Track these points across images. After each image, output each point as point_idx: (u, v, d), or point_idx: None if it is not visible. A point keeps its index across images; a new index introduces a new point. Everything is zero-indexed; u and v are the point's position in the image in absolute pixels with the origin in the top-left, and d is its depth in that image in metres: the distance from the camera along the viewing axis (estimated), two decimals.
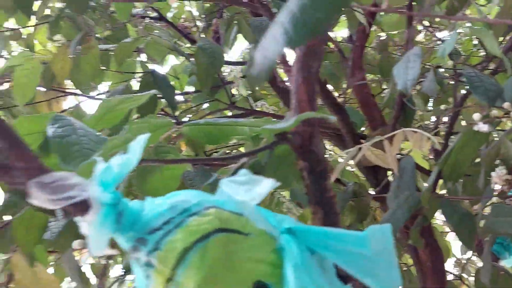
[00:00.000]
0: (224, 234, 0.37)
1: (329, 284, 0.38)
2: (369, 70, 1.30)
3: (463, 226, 0.73)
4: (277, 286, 0.38)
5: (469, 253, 1.67)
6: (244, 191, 0.38)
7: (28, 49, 1.60)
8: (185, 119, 1.41)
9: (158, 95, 1.02)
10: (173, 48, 1.01)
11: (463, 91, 1.12)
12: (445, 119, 1.20)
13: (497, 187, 0.87)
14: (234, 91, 1.30)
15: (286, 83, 1.19)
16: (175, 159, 0.55)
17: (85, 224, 0.38)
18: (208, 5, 1.42)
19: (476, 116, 0.62)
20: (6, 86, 1.59)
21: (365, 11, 1.18)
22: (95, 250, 0.37)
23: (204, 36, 1.52)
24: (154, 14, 1.55)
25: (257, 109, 1.26)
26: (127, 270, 0.98)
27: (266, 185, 0.36)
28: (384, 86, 1.41)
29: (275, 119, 0.62)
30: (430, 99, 1.11)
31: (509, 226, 0.69)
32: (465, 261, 1.69)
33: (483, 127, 0.60)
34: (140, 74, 1.08)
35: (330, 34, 1.44)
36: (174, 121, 0.59)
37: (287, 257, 0.38)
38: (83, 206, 0.37)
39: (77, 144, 0.58)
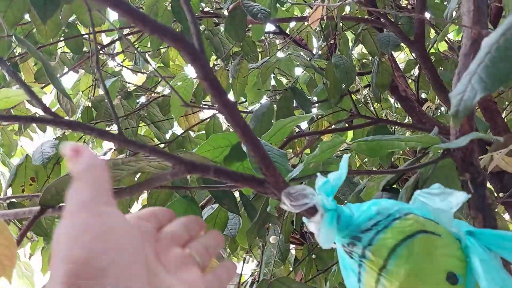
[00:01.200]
0: (425, 234, 0.48)
1: (506, 274, 0.47)
2: None
3: None
4: (463, 276, 0.48)
5: None
6: (440, 200, 0.48)
7: (163, 65, 1.82)
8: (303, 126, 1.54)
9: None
10: (309, 64, 1.14)
11: None
12: None
13: None
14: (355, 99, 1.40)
15: (407, 92, 1.27)
16: (352, 170, 0.67)
17: (313, 224, 0.51)
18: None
19: None
20: (144, 98, 1.82)
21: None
22: (325, 244, 0.50)
23: (321, 48, 1.63)
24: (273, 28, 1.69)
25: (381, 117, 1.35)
26: None
27: (460, 196, 0.47)
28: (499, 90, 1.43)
29: (425, 133, 0.72)
30: None
31: None
32: None
33: None
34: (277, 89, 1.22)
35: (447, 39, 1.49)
36: (344, 139, 0.71)
37: (473, 253, 0.48)
38: (312, 210, 0.50)
39: None
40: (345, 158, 0.53)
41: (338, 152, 1.43)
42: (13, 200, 0.97)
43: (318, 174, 0.52)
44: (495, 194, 1.09)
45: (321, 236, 0.50)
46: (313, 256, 1.32)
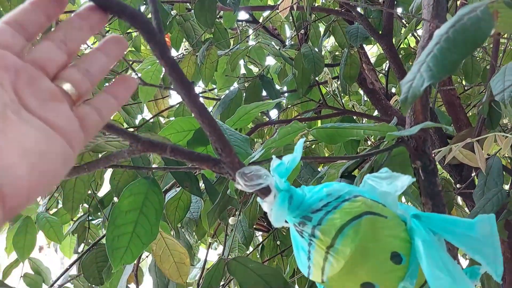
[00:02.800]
0: (371, 216, 0.50)
1: (447, 256, 0.50)
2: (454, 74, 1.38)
3: None
4: (407, 256, 0.50)
5: None
6: (387, 184, 0.51)
7: (135, 49, 1.80)
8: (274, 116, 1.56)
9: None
10: (278, 53, 1.15)
11: None
12: None
13: None
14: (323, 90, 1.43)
15: (375, 85, 1.30)
16: (310, 157, 0.68)
17: (266, 203, 0.52)
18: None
19: None
20: None
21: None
22: (276, 223, 0.52)
23: (293, 38, 1.65)
24: (246, 17, 1.70)
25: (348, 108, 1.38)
26: None
27: (405, 179, 0.49)
28: (465, 88, 1.48)
29: (385, 123, 0.74)
30: None
31: None
32: None
33: None
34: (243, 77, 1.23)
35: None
36: (304, 125, 0.73)
37: (416, 235, 0.50)
38: (266, 191, 0.51)
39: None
40: (300, 142, 0.55)
41: (308, 143, 1.46)
42: None
43: (273, 156, 0.54)
44: (454, 185, 1.13)
45: (273, 215, 0.51)
46: (278, 242, 1.34)
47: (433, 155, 0.67)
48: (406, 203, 0.89)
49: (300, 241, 0.53)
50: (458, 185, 1.09)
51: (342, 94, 1.41)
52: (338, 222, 0.50)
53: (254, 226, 1.76)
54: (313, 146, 1.43)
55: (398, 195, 0.50)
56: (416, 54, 1.72)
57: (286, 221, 0.54)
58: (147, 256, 1.40)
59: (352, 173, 0.80)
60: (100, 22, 0.35)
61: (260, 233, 1.80)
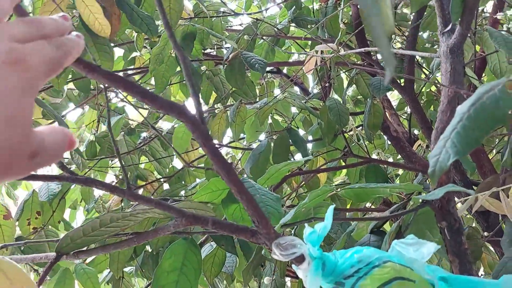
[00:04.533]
0: (400, 281, 0.53)
1: None
2: None
3: None
4: None
5: None
6: (413, 250, 0.54)
7: None
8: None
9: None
10: (304, 107, 1.21)
11: None
12: None
13: None
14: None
15: (398, 132, 1.34)
16: (340, 218, 0.72)
17: (301, 270, 0.56)
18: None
19: None
20: (146, 133, 1.88)
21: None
22: None
23: (316, 85, 1.71)
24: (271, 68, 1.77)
25: (374, 157, 1.41)
26: None
27: (431, 247, 0.53)
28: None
29: (409, 183, 0.78)
30: None
31: None
32: None
33: None
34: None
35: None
36: (334, 186, 0.77)
37: None
38: (300, 259, 0.56)
39: (261, 202, 0.79)
40: (330, 209, 0.59)
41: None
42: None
43: (306, 225, 0.58)
44: (481, 233, 1.15)
45: (308, 282, 0.55)
46: None
47: (457, 209, 0.70)
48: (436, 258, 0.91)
49: None
50: (485, 233, 1.10)
51: (366, 142, 1.45)
52: None
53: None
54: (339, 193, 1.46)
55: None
56: (435, 99, 1.75)
57: (320, 287, 0.57)
58: None
59: (381, 229, 0.84)
60: None
61: (289, 279, 1.81)
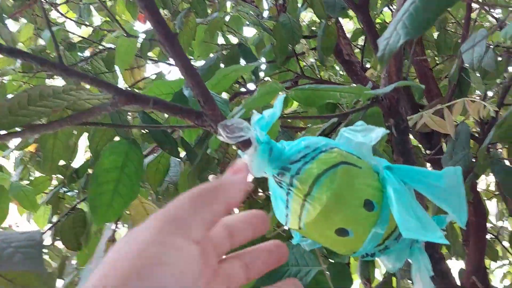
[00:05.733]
0: (346, 165, 0.53)
1: (417, 204, 0.53)
2: (426, 46, 1.42)
3: (509, 181, 0.87)
4: (379, 204, 0.53)
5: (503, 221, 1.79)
6: (361, 136, 0.53)
7: (109, 19, 1.78)
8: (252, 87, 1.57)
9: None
10: (257, 22, 1.16)
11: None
12: (490, 93, 1.32)
13: None
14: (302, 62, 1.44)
15: (352, 56, 1.33)
16: (290, 116, 0.70)
17: (247, 155, 0.54)
18: None
19: None
20: (88, 52, 1.78)
21: None
22: (257, 173, 0.54)
23: (271, 9, 1.66)
24: None
25: (324, 78, 1.40)
26: None
27: (379, 131, 0.52)
28: (438, 61, 1.52)
29: (360, 85, 0.77)
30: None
31: None
32: (499, 226, 1.82)
33: None
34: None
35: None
36: (282, 86, 0.75)
37: (388, 184, 0.53)
38: (247, 143, 0.53)
39: None
40: (280, 98, 0.57)
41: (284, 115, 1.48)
42: None
43: (253, 111, 0.56)
44: (423, 152, 1.18)
45: (254, 166, 0.54)
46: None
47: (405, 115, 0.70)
48: None
49: (279, 191, 0.56)
50: (428, 152, 1.14)
51: (319, 67, 1.43)
52: (315, 172, 0.52)
53: None
54: (289, 120, 1.46)
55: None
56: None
57: (265, 172, 0.56)
58: (124, 225, 1.41)
59: (328, 136, 0.83)
60: (263, 226, 0.40)
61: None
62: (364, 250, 0.55)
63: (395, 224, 0.55)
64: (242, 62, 1.26)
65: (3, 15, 1.58)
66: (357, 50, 1.89)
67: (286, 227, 0.56)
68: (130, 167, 0.72)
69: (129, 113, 1.29)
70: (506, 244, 1.82)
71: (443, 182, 0.56)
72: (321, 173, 0.52)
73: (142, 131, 1.10)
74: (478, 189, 1.48)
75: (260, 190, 1.74)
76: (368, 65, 1.90)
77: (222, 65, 1.21)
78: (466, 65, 0.80)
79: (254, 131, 0.54)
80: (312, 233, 0.54)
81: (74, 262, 1.53)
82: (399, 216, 0.50)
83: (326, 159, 0.53)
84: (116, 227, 1.14)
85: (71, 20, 1.72)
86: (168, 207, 0.31)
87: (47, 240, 1.43)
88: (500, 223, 1.79)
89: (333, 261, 0.62)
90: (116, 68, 1.38)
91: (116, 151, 0.73)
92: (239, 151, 0.56)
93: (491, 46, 0.91)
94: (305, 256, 0.60)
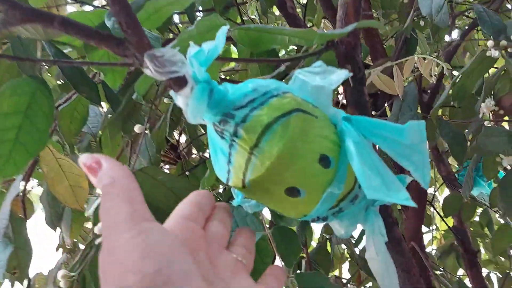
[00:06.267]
0: (301, 113, 0.44)
1: (376, 156, 0.46)
2: (373, 6, 1.36)
3: (456, 143, 0.83)
4: (335, 160, 0.46)
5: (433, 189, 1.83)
6: (320, 78, 0.45)
7: None
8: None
9: None
10: None
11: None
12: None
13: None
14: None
15: (295, 10, 1.24)
16: (227, 58, 0.61)
17: (181, 97, 0.44)
18: None
19: (490, 43, 0.70)
20: None
21: None
22: (192, 119, 0.44)
23: None
24: None
25: None
26: None
27: (341, 73, 0.43)
28: (382, 19, 1.47)
29: (312, 29, 0.68)
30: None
31: (497, 146, 0.79)
32: (433, 192, 1.85)
33: (495, 53, 0.68)
34: None
35: None
36: (225, 21, 0.64)
37: (348, 136, 0.46)
38: (181, 81, 0.43)
39: None
40: (223, 29, 0.46)
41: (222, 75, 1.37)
42: None
43: (191, 42, 0.45)
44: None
45: (190, 110, 0.44)
46: (187, 173, 1.27)
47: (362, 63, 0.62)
48: None
49: (220, 143, 0.46)
50: (373, 112, 1.09)
51: (261, 18, 1.33)
52: (265, 119, 0.43)
53: (161, 158, 1.67)
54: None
55: None
56: None
57: (203, 119, 0.46)
58: (37, 185, 1.26)
59: None
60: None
61: (167, 166, 1.72)
62: (316, 213, 0.47)
63: (352, 184, 0.48)
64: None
65: None
66: (299, 10, 1.81)
67: (226, 186, 0.47)
68: (37, 112, 0.60)
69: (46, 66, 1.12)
70: (433, 210, 1.86)
71: (405, 137, 0.49)
72: (272, 121, 0.43)
73: (60, 81, 0.95)
74: None
75: (194, 151, 1.63)
76: (309, 25, 1.83)
77: None
78: (424, 14, 0.73)
79: (190, 67, 0.44)
80: (257, 192, 0.46)
81: None
82: (362, 173, 0.42)
83: (278, 105, 0.44)
84: (26, 185, 1.00)
85: None
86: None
87: None
88: (431, 190, 1.82)
89: (279, 226, 0.54)
90: None
91: (19, 92, 0.60)
92: (171, 92, 0.45)
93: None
94: (247, 220, 0.51)
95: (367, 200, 0.51)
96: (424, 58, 0.85)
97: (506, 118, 0.97)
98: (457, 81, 0.76)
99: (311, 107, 0.46)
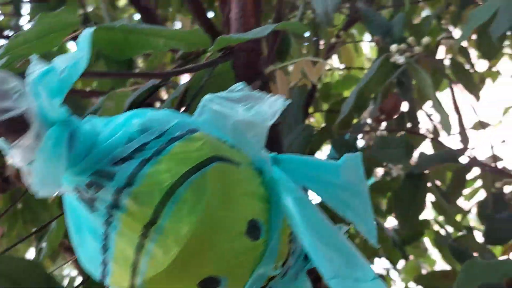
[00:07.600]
0: (221, 163, 0.29)
1: (323, 217, 0.33)
2: None
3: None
4: (265, 224, 0.32)
5: None
6: (245, 110, 0.30)
7: None
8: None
9: None
10: None
11: None
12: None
13: (369, 122, 0.94)
14: None
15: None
16: (91, 72, 0.43)
17: (21, 150, 0.25)
18: None
19: (393, 47, 0.63)
20: None
21: None
22: (42, 188, 0.26)
23: None
24: None
25: None
26: None
27: (275, 102, 0.29)
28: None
29: (197, 30, 0.53)
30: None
31: (393, 157, 0.74)
32: None
33: (400, 59, 0.61)
34: None
35: None
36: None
37: (284, 191, 0.32)
38: (19, 124, 0.25)
39: None
40: (86, 33, 0.29)
41: None
42: None
43: (34, 56, 0.27)
44: None
45: (36, 173, 0.25)
46: (19, 206, 0.99)
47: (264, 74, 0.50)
48: None
49: (88, 218, 0.29)
50: None
51: (108, 11, 1.12)
52: (165, 179, 0.27)
53: None
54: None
55: None
56: None
57: (58, 186, 0.28)
58: None
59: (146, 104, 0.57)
60: None
61: None
62: None
63: (285, 254, 0.34)
64: None
65: None
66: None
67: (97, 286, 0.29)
68: None
69: None
70: None
71: (341, 178, 0.38)
72: (177, 182, 0.27)
73: None
74: None
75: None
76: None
77: None
78: (318, 15, 0.63)
79: (34, 99, 0.25)
80: None
81: None
82: (316, 253, 0.29)
83: (184, 153, 0.28)
84: None
85: None
86: None
87: None
88: None
89: None
90: None
91: None
92: (1, 143, 0.26)
93: None
94: None
95: (297, 266, 0.38)
96: (315, 62, 0.76)
97: (384, 123, 0.94)
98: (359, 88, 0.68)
99: (228, 148, 0.31)
